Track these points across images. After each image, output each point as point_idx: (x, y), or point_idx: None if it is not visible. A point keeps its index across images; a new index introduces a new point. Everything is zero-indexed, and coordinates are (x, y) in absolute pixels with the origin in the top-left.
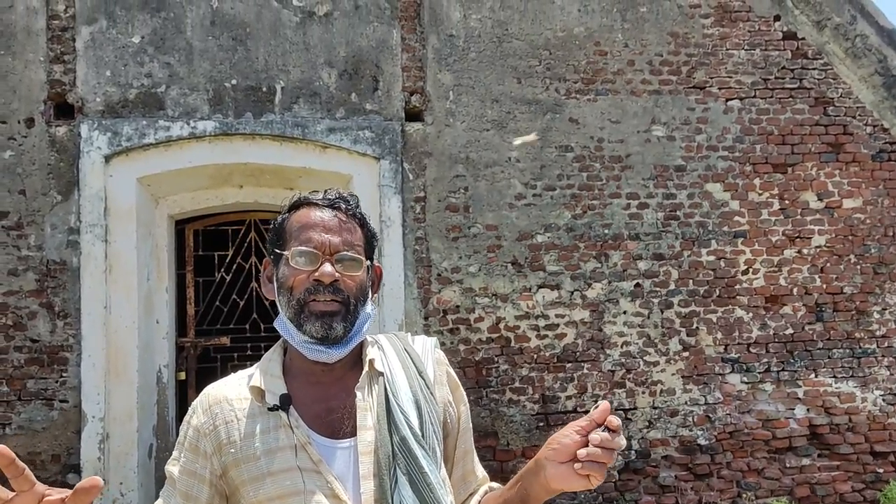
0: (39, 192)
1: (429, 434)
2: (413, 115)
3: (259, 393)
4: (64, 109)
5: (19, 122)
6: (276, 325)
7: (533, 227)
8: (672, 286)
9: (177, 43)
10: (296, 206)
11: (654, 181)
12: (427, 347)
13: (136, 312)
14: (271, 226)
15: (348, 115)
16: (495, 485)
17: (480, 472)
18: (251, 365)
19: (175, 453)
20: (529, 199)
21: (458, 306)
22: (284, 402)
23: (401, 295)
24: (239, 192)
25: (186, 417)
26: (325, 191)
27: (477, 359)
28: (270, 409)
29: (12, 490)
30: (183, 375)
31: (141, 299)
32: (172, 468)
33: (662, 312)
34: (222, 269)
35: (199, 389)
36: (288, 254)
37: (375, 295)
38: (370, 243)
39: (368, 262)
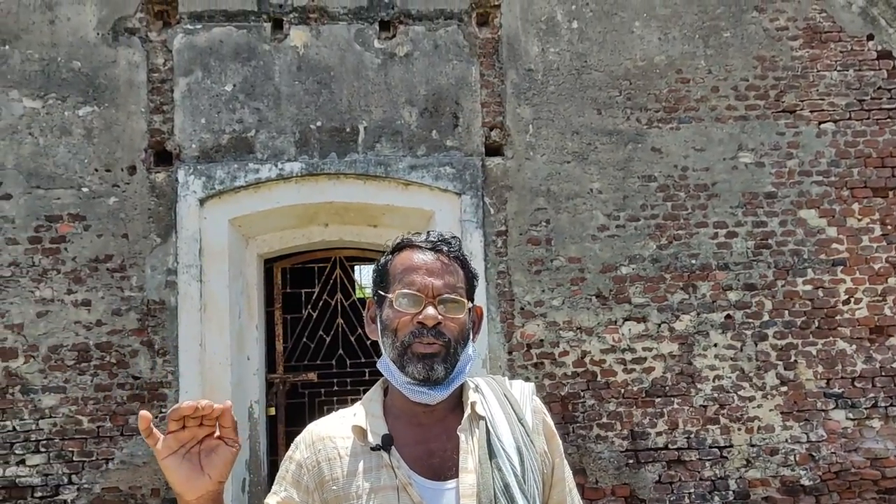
0: (140, 236)
1: (530, 482)
2: (493, 150)
3: (361, 432)
4: (163, 156)
5: (122, 170)
6: (378, 366)
7: (617, 258)
8: (766, 317)
9: (266, 89)
10: (399, 248)
11: (743, 209)
12: (525, 394)
13: (229, 349)
14: (374, 267)
15: (429, 152)
16: None
17: None
18: (337, 401)
19: (275, 486)
20: (612, 230)
21: (542, 340)
22: (386, 443)
23: (484, 329)
24: (324, 230)
25: (289, 452)
26: (428, 233)
27: (563, 394)
28: (373, 449)
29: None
30: (272, 411)
31: (233, 336)
32: (272, 500)
33: (756, 345)
34: (309, 306)
35: (288, 425)
36: (392, 296)
37: (477, 336)
38: (471, 284)
39: (470, 304)
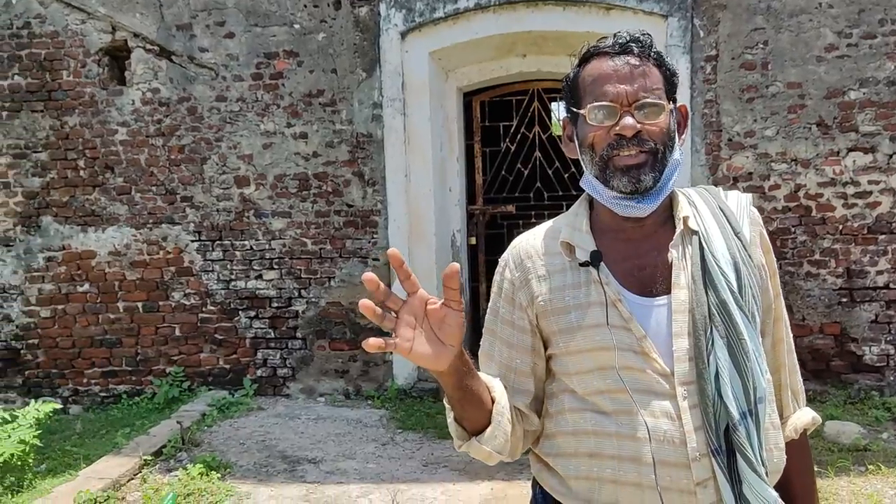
0: (348, 71)
1: (748, 299)
2: None
3: (568, 248)
4: None
5: (328, 6)
6: (582, 183)
7: (845, 82)
8: None
9: None
10: (586, 58)
11: None
12: (742, 205)
13: (432, 181)
14: (563, 83)
15: None
16: (805, 419)
17: (789, 343)
18: None
19: (492, 303)
20: (843, 49)
21: (750, 173)
22: (595, 259)
23: (687, 161)
24: (522, 61)
25: (499, 269)
26: (615, 35)
27: (771, 229)
28: (581, 265)
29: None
30: (473, 240)
31: (435, 168)
32: (492, 318)
33: None
34: (507, 140)
35: (488, 254)
36: (584, 112)
37: (683, 138)
38: (670, 83)
39: (671, 105)
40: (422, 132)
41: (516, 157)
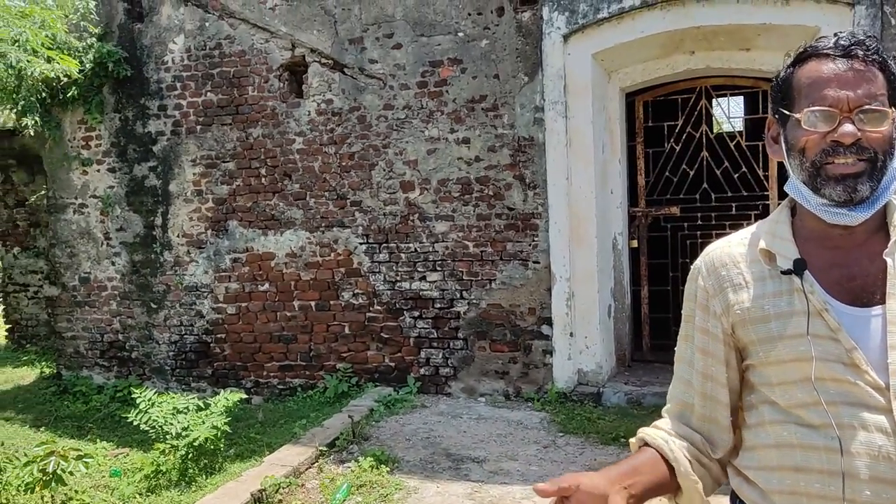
0: (510, 75)
1: None
2: None
3: (768, 255)
4: None
5: (492, 13)
6: (786, 188)
7: None
8: None
9: None
10: (802, 58)
11: None
12: None
13: (593, 183)
14: (773, 82)
15: None
16: None
17: None
18: (700, 235)
19: (686, 311)
20: None
21: None
22: (799, 267)
23: None
24: (689, 58)
25: (692, 276)
26: (836, 35)
27: None
28: (784, 273)
29: None
30: (635, 243)
31: (597, 171)
32: (688, 325)
33: None
34: (671, 140)
35: (650, 257)
36: (799, 116)
37: None
38: (894, 88)
39: (894, 112)
40: (583, 134)
41: (681, 157)
